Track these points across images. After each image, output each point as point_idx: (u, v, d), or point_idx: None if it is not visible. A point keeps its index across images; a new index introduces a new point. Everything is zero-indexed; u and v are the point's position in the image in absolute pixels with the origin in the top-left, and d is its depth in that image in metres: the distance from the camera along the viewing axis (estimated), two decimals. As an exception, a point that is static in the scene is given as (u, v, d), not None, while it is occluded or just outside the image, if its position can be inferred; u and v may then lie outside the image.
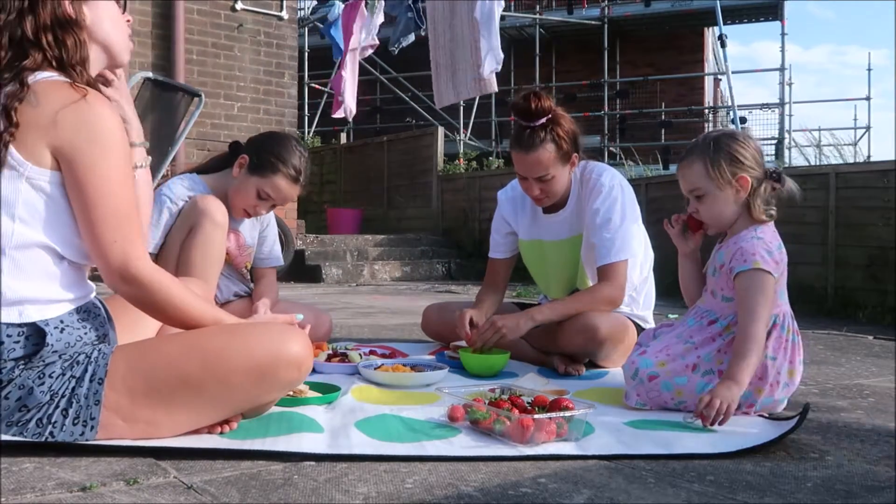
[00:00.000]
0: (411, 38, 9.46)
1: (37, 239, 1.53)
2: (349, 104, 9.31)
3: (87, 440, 1.53)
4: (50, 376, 1.51)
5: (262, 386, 1.64)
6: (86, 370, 1.54)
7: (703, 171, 2.06)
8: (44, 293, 1.54)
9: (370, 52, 9.43)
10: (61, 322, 1.56)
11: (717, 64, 15.50)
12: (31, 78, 1.54)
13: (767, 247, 2.00)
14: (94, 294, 1.69)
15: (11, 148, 1.49)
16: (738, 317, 1.98)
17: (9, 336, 1.50)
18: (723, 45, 10.45)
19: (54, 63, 1.58)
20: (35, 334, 1.52)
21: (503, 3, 7.61)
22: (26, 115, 1.50)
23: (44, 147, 1.50)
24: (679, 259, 2.26)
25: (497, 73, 7.44)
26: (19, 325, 1.51)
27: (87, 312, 1.63)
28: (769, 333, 1.99)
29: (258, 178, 2.64)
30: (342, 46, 9.46)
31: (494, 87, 7.74)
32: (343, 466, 1.52)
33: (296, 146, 2.70)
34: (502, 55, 7.48)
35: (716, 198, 2.07)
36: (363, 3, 9.12)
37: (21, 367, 1.50)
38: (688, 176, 2.11)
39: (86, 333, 1.59)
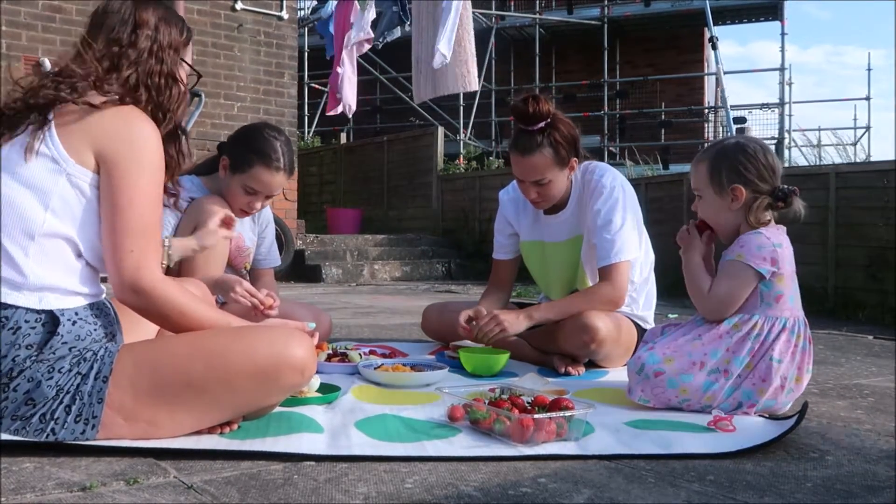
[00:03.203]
0: (397, 32, 9.41)
1: (63, 232, 1.58)
2: (348, 101, 9.26)
3: (87, 439, 1.53)
4: (59, 371, 1.53)
5: (264, 389, 1.64)
6: (91, 367, 1.55)
7: (705, 174, 2.12)
8: (64, 283, 1.59)
9: (367, 46, 9.40)
10: (75, 314, 1.59)
11: (715, 65, 15.49)
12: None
13: (762, 241, 2.02)
14: (104, 294, 1.72)
15: (59, 143, 1.58)
16: None
17: (26, 321, 1.53)
18: (714, 48, 10.45)
19: (150, 107, 1.71)
20: (50, 322, 1.55)
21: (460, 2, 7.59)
22: (79, 118, 1.60)
23: (88, 149, 1.59)
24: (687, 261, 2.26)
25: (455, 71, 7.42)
26: (38, 312, 1.54)
27: (99, 310, 1.66)
28: (777, 336, 1.99)
29: (239, 175, 2.63)
30: (334, 43, 9.43)
31: (475, 85, 7.72)
32: (343, 466, 1.52)
33: (269, 134, 2.67)
34: (444, 57, 7.45)
35: (711, 202, 2.12)
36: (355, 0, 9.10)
37: (32, 358, 1.52)
38: (693, 174, 2.18)
39: (95, 330, 1.61)
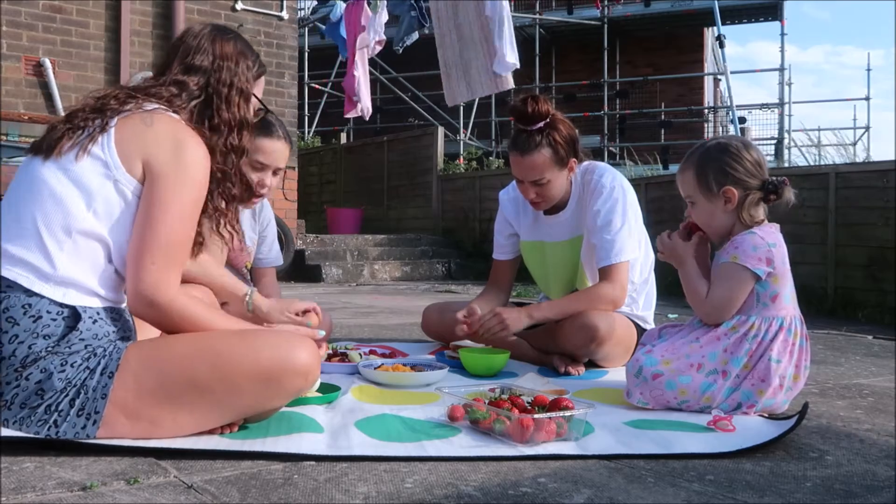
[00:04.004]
0: (415, 36, 9.42)
1: (100, 233, 1.61)
2: (366, 104, 9.29)
3: (87, 435, 1.54)
4: (71, 366, 1.55)
5: (267, 392, 1.65)
6: (99, 363, 1.57)
7: (693, 181, 2.10)
8: (89, 283, 1.61)
9: (378, 49, 9.42)
10: (97, 314, 1.61)
11: (716, 64, 15.50)
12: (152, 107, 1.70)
13: (756, 242, 2.01)
14: (125, 304, 1.73)
15: (114, 150, 1.63)
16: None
17: (48, 312, 1.56)
18: (721, 46, 10.45)
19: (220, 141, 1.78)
20: (71, 317, 1.58)
21: (507, 2, 7.62)
22: (137, 129, 1.65)
23: (138, 159, 1.64)
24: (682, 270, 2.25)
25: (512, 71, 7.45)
26: (60, 305, 1.57)
27: (119, 314, 1.68)
28: (775, 336, 1.99)
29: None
30: (346, 46, 9.44)
31: (511, 84, 7.76)
32: (343, 466, 1.53)
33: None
34: (514, 62, 7.48)
35: (705, 206, 2.11)
36: (366, 2, 9.10)
37: (49, 349, 1.54)
38: (681, 183, 2.16)
39: (113, 331, 1.64)
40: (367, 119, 9.82)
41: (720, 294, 2.05)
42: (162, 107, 1.71)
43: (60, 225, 1.59)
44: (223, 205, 1.81)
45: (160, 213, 1.61)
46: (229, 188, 1.80)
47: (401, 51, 9.41)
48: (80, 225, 1.59)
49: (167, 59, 1.82)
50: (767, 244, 2.02)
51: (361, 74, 9.10)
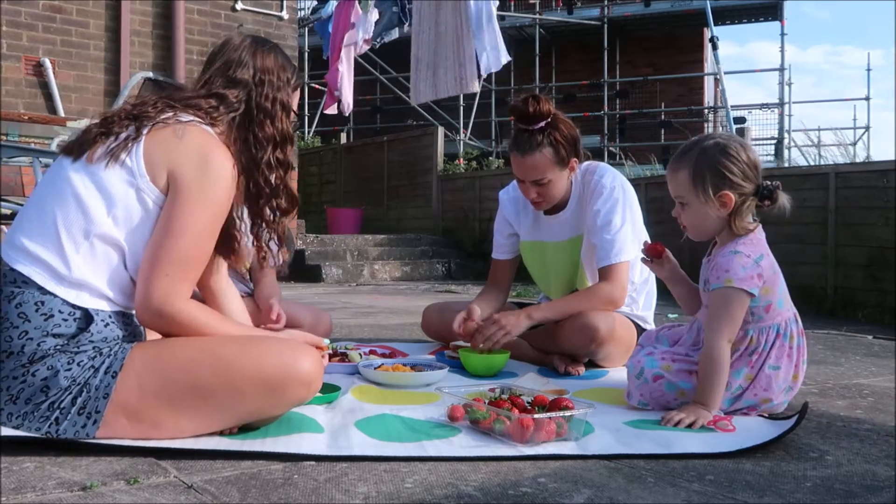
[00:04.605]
0: (395, 33, 9.40)
1: (117, 239, 1.62)
2: (347, 99, 9.26)
3: (87, 434, 1.54)
4: (78, 364, 1.55)
5: (269, 400, 1.65)
6: (104, 362, 1.57)
7: (688, 182, 1.99)
8: (102, 287, 1.62)
9: (366, 48, 9.40)
10: (109, 317, 1.62)
11: (715, 64, 15.50)
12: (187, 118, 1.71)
13: (744, 262, 1.94)
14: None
15: (141, 158, 1.64)
16: (704, 333, 1.98)
17: (60, 312, 1.57)
18: (714, 48, 10.44)
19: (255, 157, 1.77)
20: (83, 319, 1.59)
21: (496, 1, 7.62)
22: (167, 140, 1.66)
23: (164, 170, 1.64)
24: (666, 285, 2.25)
25: (481, 75, 7.50)
26: (73, 306, 1.58)
27: (130, 318, 1.70)
28: (772, 344, 1.98)
29: None
30: (331, 41, 9.43)
31: (476, 88, 7.76)
32: (343, 466, 1.53)
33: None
34: (504, 57, 7.47)
35: (698, 209, 2.00)
36: (357, 1, 9.10)
37: (58, 347, 1.55)
38: (673, 182, 2.05)
39: (123, 335, 1.64)
40: (347, 115, 9.79)
41: (726, 328, 1.93)
42: (197, 119, 1.71)
43: (80, 228, 1.60)
44: (272, 218, 1.81)
45: (180, 227, 1.61)
46: (279, 202, 1.81)
47: (378, 46, 9.39)
48: (98, 229, 1.60)
49: (209, 74, 1.83)
50: (753, 261, 1.95)
51: (346, 70, 9.07)
